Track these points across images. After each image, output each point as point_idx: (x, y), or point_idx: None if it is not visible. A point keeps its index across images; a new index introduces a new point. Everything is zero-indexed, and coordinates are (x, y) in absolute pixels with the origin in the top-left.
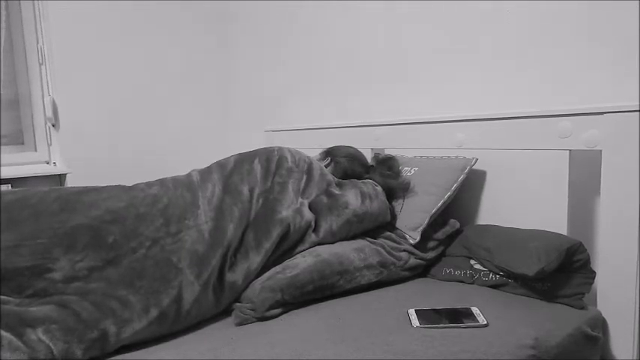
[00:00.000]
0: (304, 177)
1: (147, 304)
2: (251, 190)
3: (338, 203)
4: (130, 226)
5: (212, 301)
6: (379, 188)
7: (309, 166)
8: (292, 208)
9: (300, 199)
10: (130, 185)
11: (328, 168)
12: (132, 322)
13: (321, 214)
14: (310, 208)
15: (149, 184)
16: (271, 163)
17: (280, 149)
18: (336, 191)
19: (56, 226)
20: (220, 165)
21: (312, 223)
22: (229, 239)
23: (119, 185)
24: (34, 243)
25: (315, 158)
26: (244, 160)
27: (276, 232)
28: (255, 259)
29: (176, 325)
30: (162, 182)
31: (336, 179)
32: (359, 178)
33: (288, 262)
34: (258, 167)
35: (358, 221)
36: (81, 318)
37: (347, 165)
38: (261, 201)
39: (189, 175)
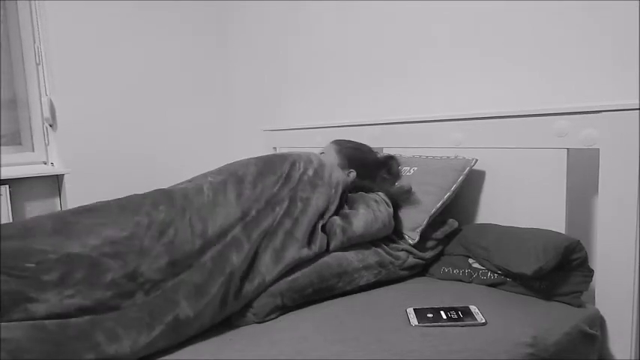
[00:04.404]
0: (327, 199)
1: (136, 338)
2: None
3: (349, 229)
4: (131, 263)
5: (212, 317)
6: (391, 210)
7: (335, 188)
8: (306, 242)
9: (318, 229)
10: (135, 204)
11: (350, 176)
12: (117, 355)
13: (331, 237)
14: (323, 227)
15: (155, 204)
16: (297, 192)
17: (306, 167)
18: (349, 213)
19: (48, 250)
20: (237, 180)
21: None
22: (234, 268)
23: (121, 205)
24: (21, 266)
25: (336, 163)
26: (265, 175)
27: (288, 266)
28: (265, 280)
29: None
30: (170, 201)
31: (347, 194)
32: (368, 190)
33: None
34: (282, 194)
35: (362, 240)
36: (60, 349)
37: (359, 183)
38: (281, 235)
39: (200, 190)
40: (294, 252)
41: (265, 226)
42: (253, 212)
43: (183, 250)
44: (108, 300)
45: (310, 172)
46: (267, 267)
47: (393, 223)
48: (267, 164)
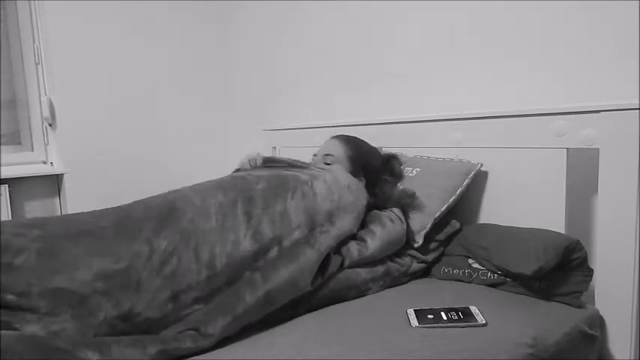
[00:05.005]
0: (349, 226)
1: (132, 355)
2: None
3: (365, 252)
4: (126, 303)
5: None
6: (404, 225)
7: (359, 214)
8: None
9: (331, 253)
10: (134, 227)
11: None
12: None
13: (346, 258)
14: (337, 249)
15: (156, 231)
16: (316, 225)
17: (325, 196)
18: (366, 236)
19: (32, 282)
20: (248, 200)
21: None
22: (246, 308)
23: (119, 230)
24: (1, 296)
25: (347, 171)
26: (278, 197)
27: (300, 292)
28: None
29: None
30: (175, 224)
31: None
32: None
33: None
34: (297, 219)
35: (374, 259)
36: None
37: (373, 201)
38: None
39: (207, 213)
40: (308, 281)
41: (284, 263)
42: (267, 242)
43: (187, 281)
44: (100, 335)
45: (328, 204)
46: (282, 293)
47: (405, 238)
48: (279, 181)
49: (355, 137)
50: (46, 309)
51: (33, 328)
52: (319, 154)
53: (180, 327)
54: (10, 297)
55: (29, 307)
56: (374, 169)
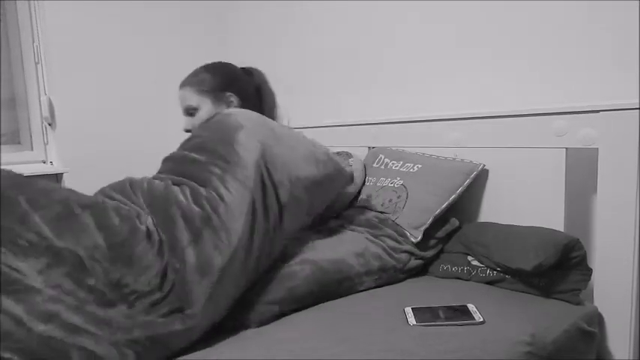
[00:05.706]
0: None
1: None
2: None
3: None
4: (116, 272)
5: (204, 331)
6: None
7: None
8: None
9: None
10: (138, 209)
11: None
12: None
13: (280, 187)
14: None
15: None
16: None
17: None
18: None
19: (43, 235)
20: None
21: None
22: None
23: (128, 212)
24: (15, 240)
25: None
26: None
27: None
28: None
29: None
30: (164, 211)
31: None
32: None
33: (282, 271)
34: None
35: (311, 184)
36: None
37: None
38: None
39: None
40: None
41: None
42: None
43: (170, 256)
44: (90, 303)
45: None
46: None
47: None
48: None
49: (192, 72)
50: (47, 262)
51: (35, 278)
52: (186, 116)
53: (165, 307)
54: (22, 242)
55: (35, 257)
56: (238, 78)
